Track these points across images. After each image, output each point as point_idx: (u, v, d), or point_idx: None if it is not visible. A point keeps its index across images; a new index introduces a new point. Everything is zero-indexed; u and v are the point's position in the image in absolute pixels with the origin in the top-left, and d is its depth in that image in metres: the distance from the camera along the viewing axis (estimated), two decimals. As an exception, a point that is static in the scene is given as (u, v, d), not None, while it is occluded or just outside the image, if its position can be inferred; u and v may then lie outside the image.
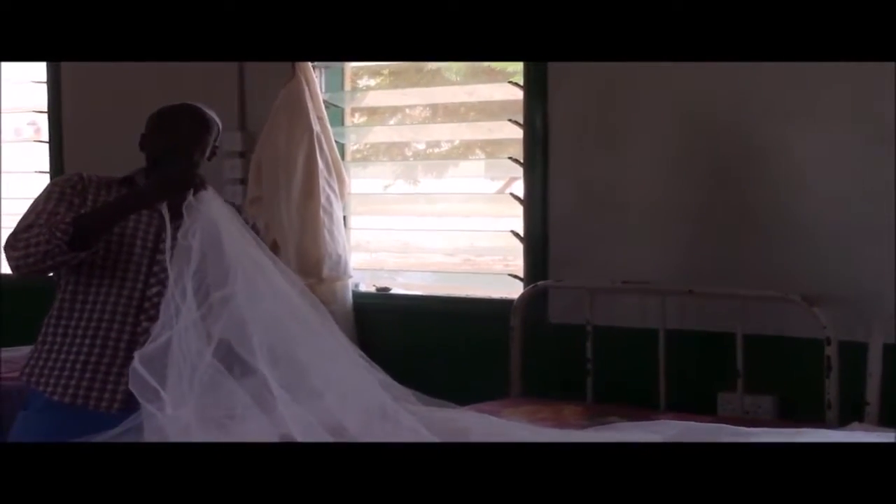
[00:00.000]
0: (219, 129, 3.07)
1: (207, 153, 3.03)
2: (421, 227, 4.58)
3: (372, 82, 4.75)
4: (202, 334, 2.53)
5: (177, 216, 2.75)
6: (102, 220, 2.84)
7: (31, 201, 2.96)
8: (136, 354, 2.49)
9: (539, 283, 4.01)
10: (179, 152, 2.95)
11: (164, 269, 2.69)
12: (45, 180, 4.97)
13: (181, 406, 2.40)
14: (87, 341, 2.90)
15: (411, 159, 4.78)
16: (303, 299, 2.75)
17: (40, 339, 2.96)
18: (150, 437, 2.34)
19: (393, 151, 4.78)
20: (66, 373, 2.89)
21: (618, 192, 3.93)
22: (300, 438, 2.36)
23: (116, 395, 2.87)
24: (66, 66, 5.13)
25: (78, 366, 2.89)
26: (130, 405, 2.60)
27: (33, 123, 5.55)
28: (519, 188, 4.14)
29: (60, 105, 5.19)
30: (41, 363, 2.94)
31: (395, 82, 4.67)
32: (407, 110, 4.71)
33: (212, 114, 3.06)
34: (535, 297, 4.01)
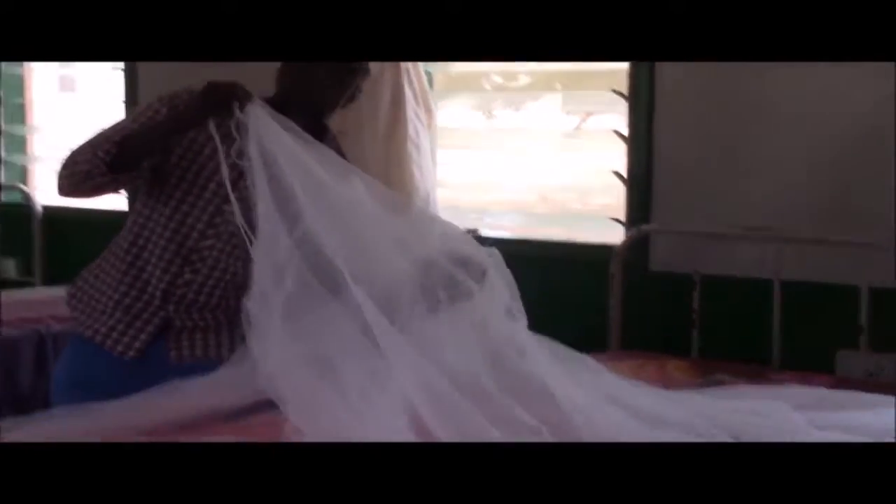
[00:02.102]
0: (367, 70, 2.71)
1: (349, 95, 2.69)
2: (508, 164, 4.30)
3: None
4: (300, 260, 2.27)
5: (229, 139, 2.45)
6: (143, 139, 2.57)
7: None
8: (246, 300, 2.22)
9: (642, 226, 3.71)
10: (315, 91, 2.62)
11: (227, 220, 2.48)
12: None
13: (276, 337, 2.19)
14: (127, 279, 2.68)
15: (490, 91, 4.50)
16: (386, 209, 2.46)
17: (92, 266, 2.77)
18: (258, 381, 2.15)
19: (471, 82, 4.50)
20: (98, 308, 2.71)
21: (735, 132, 3.60)
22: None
23: (135, 342, 2.67)
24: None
25: (111, 304, 2.70)
26: (147, 354, 2.63)
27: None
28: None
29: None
30: (79, 293, 2.76)
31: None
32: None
33: None
34: (637, 243, 3.72)
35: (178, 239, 2.64)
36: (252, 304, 2.18)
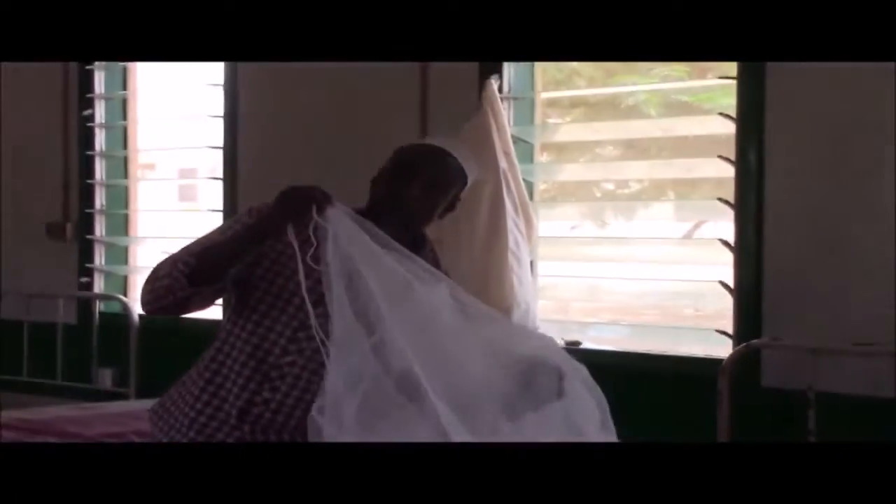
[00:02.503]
0: (466, 180, 2.62)
1: (445, 206, 2.59)
2: (612, 275, 4.16)
3: (565, 118, 4.39)
4: (376, 366, 2.19)
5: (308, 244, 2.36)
6: (223, 249, 2.47)
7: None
8: (315, 407, 2.17)
9: (752, 341, 3.52)
10: (408, 202, 2.52)
11: (310, 336, 2.35)
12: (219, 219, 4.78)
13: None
14: (204, 397, 2.56)
15: (600, 199, 4.42)
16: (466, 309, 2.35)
17: (178, 383, 2.66)
18: None
19: (580, 191, 4.41)
20: (175, 426, 2.58)
21: (847, 236, 3.42)
22: None
23: None
24: (244, 99, 4.89)
25: (186, 422, 2.56)
26: None
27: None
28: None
29: (236, 140, 4.95)
30: (161, 409, 2.64)
31: (590, 115, 4.29)
32: (597, 149, 4.34)
33: (465, 163, 2.60)
34: (747, 358, 3.52)
35: (259, 355, 2.51)
36: (321, 413, 2.07)
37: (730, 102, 3.67)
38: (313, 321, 2.28)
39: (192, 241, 2.57)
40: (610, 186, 4.39)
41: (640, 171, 4.25)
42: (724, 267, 3.68)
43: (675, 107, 4.16)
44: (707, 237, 4.02)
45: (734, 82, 3.60)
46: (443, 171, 2.57)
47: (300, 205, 2.36)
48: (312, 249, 2.31)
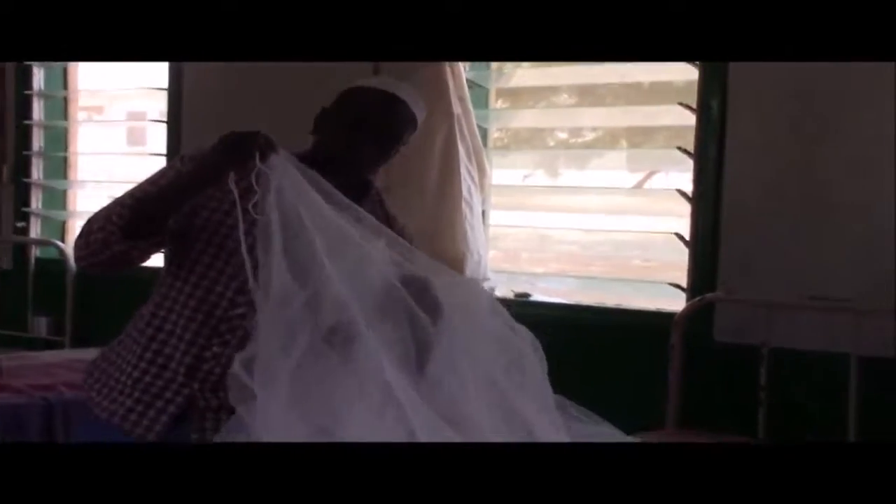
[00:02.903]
0: (416, 126, 2.49)
1: (393, 153, 2.48)
2: (563, 225, 4.07)
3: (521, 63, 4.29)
4: (306, 323, 2.08)
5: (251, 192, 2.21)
6: (159, 200, 2.30)
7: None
8: (237, 357, 2.04)
9: (706, 295, 3.44)
10: (354, 148, 2.39)
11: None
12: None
13: (279, 409, 1.99)
14: (147, 355, 2.40)
15: (553, 148, 4.31)
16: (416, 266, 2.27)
17: (113, 343, 2.51)
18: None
19: (534, 139, 4.31)
20: (117, 388, 2.41)
21: (809, 190, 3.35)
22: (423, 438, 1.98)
23: (155, 424, 2.36)
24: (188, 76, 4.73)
25: (129, 382, 2.40)
26: (168, 438, 2.31)
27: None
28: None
29: (181, 81, 4.79)
30: (97, 372, 2.48)
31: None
32: (552, 97, 4.24)
33: (415, 107, 2.46)
34: (701, 312, 3.45)
35: (206, 308, 2.36)
36: (248, 370, 1.96)
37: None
38: (250, 278, 2.14)
39: (126, 191, 2.41)
40: (563, 135, 4.30)
41: (596, 118, 4.16)
42: (679, 219, 3.60)
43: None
44: (662, 188, 3.94)
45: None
46: (393, 120, 2.43)
47: (242, 151, 2.21)
48: (255, 199, 2.18)
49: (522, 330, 2.29)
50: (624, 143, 4.15)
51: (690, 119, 3.53)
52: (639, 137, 4.03)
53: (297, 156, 2.32)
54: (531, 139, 4.31)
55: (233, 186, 2.19)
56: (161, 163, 4.59)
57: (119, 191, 2.42)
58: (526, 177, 4.29)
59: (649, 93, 3.95)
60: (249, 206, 2.16)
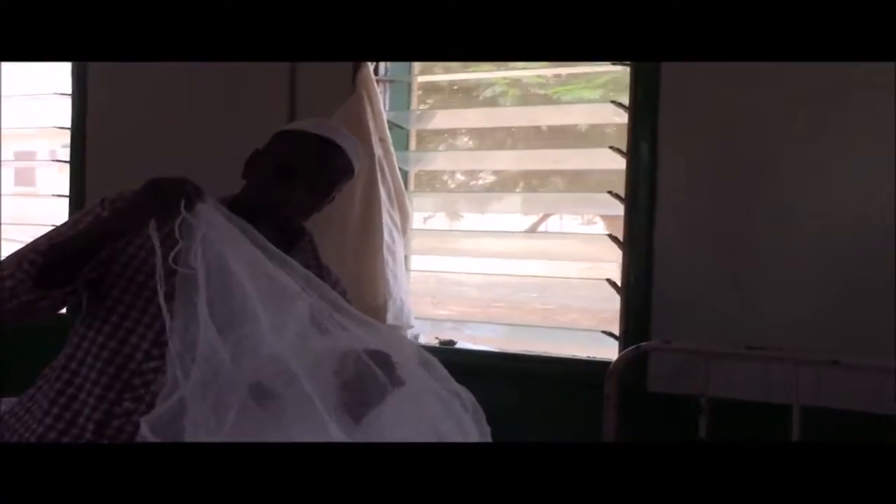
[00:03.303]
0: (353, 174, 2.43)
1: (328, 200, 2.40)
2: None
3: (426, 103, 4.17)
4: (233, 381, 1.96)
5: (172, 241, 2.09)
6: (74, 246, 2.16)
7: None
8: (143, 421, 1.90)
9: (641, 343, 3.34)
10: (290, 201, 2.30)
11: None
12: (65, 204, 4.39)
13: None
14: (54, 410, 2.25)
15: (453, 191, 4.24)
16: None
17: (22, 396, 2.34)
18: None
19: (434, 182, 4.22)
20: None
21: (743, 235, 3.27)
22: None
23: None
24: (93, 79, 4.51)
25: (34, 439, 2.24)
26: None
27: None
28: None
29: (85, 120, 4.55)
30: (2, 427, 2.31)
31: (448, 103, 4.11)
32: (449, 138, 4.15)
33: (353, 155, 2.39)
34: (635, 361, 3.34)
35: (119, 360, 2.23)
36: (154, 433, 1.84)
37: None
38: (168, 328, 1.99)
39: (39, 236, 2.26)
40: (462, 178, 4.21)
41: (506, 161, 4.07)
42: (611, 264, 3.51)
43: (533, 98, 4.01)
44: (596, 232, 3.85)
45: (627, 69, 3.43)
46: (330, 170, 2.36)
47: (169, 198, 2.08)
48: (177, 249, 2.03)
49: (467, 397, 2.20)
50: (521, 185, 4.08)
51: (622, 163, 3.43)
52: (536, 180, 3.94)
53: (225, 201, 2.21)
54: (431, 182, 4.21)
55: (153, 233, 2.07)
56: (59, 204, 4.38)
57: (6, 232, 2.27)
58: (426, 219, 4.16)
59: (552, 137, 3.89)
60: (170, 256, 2.03)
